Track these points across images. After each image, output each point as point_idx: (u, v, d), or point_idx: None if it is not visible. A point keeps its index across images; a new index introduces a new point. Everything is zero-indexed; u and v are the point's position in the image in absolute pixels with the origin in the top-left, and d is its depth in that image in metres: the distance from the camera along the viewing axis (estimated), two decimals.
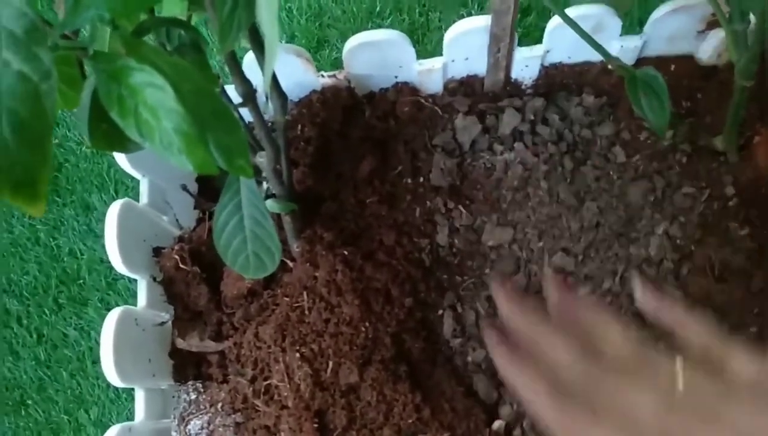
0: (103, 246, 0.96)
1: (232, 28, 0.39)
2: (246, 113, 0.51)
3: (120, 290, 0.91)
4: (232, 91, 0.49)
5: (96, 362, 0.90)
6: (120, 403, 0.87)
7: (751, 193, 0.61)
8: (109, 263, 0.94)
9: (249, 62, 0.59)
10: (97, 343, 0.91)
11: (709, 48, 0.65)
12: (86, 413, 0.87)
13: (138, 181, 0.95)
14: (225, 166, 0.39)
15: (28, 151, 0.32)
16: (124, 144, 0.45)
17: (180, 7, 0.50)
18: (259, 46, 0.48)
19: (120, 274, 0.93)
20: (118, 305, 0.91)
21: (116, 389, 0.87)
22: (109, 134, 0.44)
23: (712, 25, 0.63)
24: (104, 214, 0.98)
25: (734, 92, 0.54)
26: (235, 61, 0.45)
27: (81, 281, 0.93)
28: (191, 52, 0.47)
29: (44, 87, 0.32)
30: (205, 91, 0.39)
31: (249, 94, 0.47)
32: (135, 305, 0.62)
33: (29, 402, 0.88)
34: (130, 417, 0.85)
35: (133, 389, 0.88)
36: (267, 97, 0.52)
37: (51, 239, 0.95)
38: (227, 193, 0.47)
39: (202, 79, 0.40)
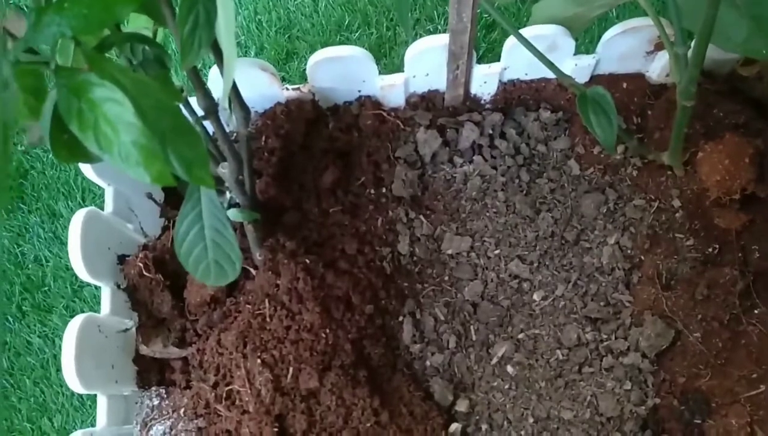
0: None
1: (194, 45, 0.41)
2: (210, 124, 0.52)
3: (86, 297, 0.91)
4: (195, 103, 0.51)
5: (60, 369, 0.89)
6: (84, 410, 0.87)
7: (696, 205, 0.65)
8: None
9: (214, 76, 0.61)
10: (62, 350, 0.91)
11: (658, 67, 0.68)
12: (50, 421, 0.87)
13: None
14: (186, 178, 0.40)
15: None
16: (87, 154, 0.46)
17: (145, 21, 0.52)
18: (222, 60, 0.49)
19: (86, 281, 0.94)
20: (84, 312, 0.91)
21: (80, 396, 0.87)
22: (70, 145, 0.45)
23: (660, 46, 0.66)
24: (70, 222, 0.98)
25: (677, 111, 0.57)
26: (197, 76, 0.47)
27: (46, 289, 0.93)
28: (155, 67, 0.48)
29: (2, 95, 0.33)
30: (166, 106, 0.41)
31: (211, 107, 0.48)
32: (100, 312, 0.63)
33: None
34: (94, 424, 0.85)
35: (96, 396, 0.88)
36: (230, 110, 0.53)
37: (15, 246, 0.95)
38: (188, 202, 0.49)
39: (164, 95, 0.41)
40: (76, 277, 0.94)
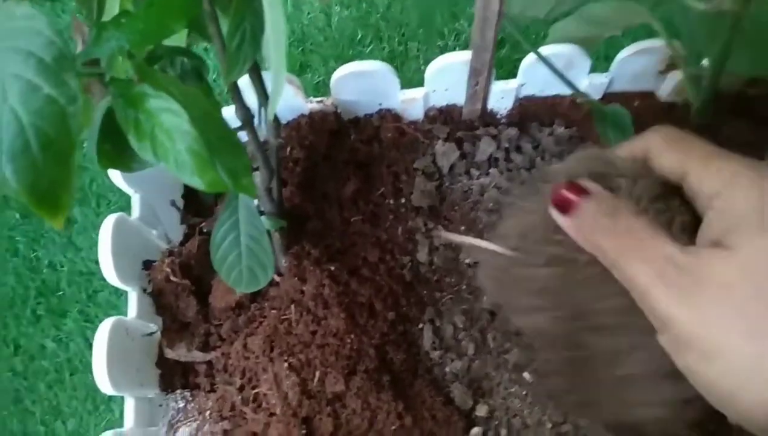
0: (84, 259, 0.98)
1: (239, 61, 0.43)
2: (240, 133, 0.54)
3: (100, 303, 0.92)
4: (226, 114, 0.53)
5: (74, 373, 0.90)
6: (98, 414, 0.88)
7: None
8: (90, 275, 0.96)
9: (243, 85, 0.62)
10: (76, 354, 0.92)
11: (669, 87, 0.71)
12: (63, 424, 0.87)
13: (121, 196, 0.97)
14: (230, 186, 0.42)
15: (54, 168, 0.34)
16: (127, 164, 0.48)
17: (180, 36, 0.53)
18: (256, 73, 0.52)
19: (101, 286, 0.95)
20: (98, 317, 0.93)
21: (94, 400, 0.88)
22: (112, 154, 0.47)
23: (671, 66, 0.69)
24: (85, 228, 1.00)
25: (689, 129, 0.59)
26: (237, 90, 0.48)
27: (60, 293, 0.94)
28: (193, 80, 0.50)
29: (71, 109, 0.35)
30: (212, 116, 0.43)
31: (248, 118, 0.50)
32: (126, 315, 0.64)
33: (5, 413, 0.88)
34: (108, 428, 0.86)
35: (111, 401, 0.89)
36: (261, 120, 0.55)
37: (30, 251, 0.96)
38: (226, 210, 0.50)
39: (209, 105, 0.43)
40: (90, 282, 0.96)
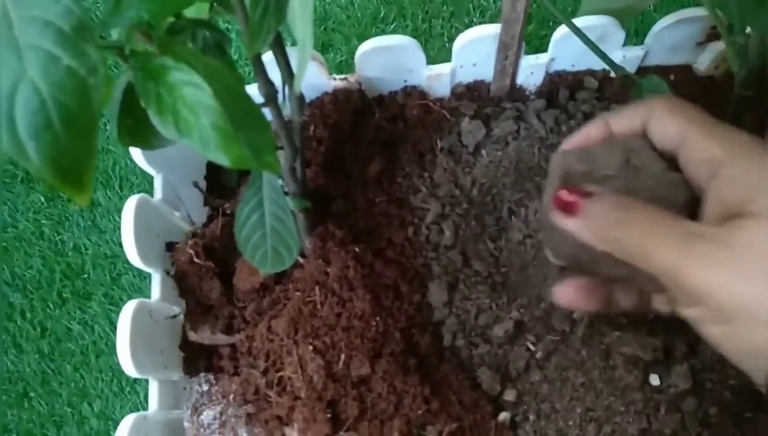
0: (108, 242, 0.97)
1: (262, 32, 0.41)
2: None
3: (124, 286, 0.92)
4: (250, 92, 0.51)
5: (100, 355, 0.91)
6: (123, 396, 0.88)
7: None
8: (114, 258, 0.96)
9: (267, 62, 0.61)
10: (101, 337, 0.92)
11: (707, 59, 0.68)
12: (90, 406, 0.88)
13: (143, 179, 0.97)
14: (254, 163, 0.41)
15: (76, 142, 0.33)
16: (148, 140, 0.47)
17: (199, 8, 0.52)
18: (280, 49, 0.50)
19: (124, 269, 0.95)
20: (122, 300, 0.92)
21: (120, 382, 0.89)
22: (133, 131, 0.45)
23: (711, 37, 0.65)
24: (109, 211, 0.99)
25: (733, 101, 0.56)
26: (260, 63, 0.47)
27: (85, 276, 0.94)
28: (215, 54, 0.49)
29: (92, 81, 0.33)
30: (236, 90, 0.41)
31: (272, 95, 0.49)
32: (139, 299, 0.63)
33: (32, 395, 0.89)
34: (134, 410, 0.87)
35: (137, 383, 0.89)
36: (284, 98, 0.53)
37: (55, 234, 0.96)
38: (250, 189, 0.49)
39: (233, 79, 0.42)
40: (115, 265, 0.95)
